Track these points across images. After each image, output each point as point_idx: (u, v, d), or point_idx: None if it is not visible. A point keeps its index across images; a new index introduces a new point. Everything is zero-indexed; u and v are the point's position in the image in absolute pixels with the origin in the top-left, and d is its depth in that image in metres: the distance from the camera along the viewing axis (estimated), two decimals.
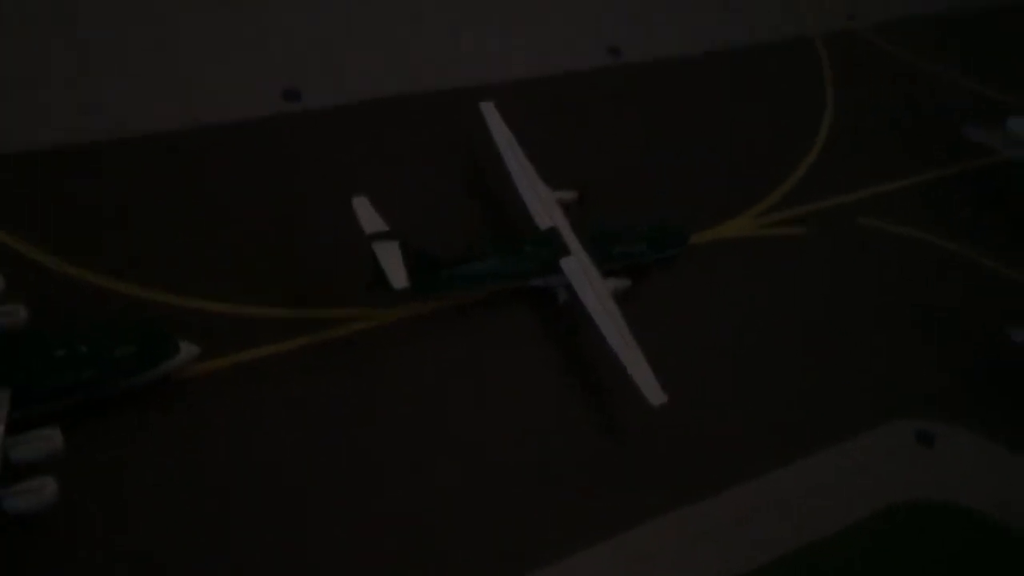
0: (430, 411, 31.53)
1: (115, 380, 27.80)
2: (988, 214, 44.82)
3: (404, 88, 41.64)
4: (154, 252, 32.96)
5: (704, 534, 30.74)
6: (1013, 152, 45.25)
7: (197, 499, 27.49)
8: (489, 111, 38.16)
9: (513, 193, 36.42)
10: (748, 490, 32.16)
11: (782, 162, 44.57)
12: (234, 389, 30.17)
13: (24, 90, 36.16)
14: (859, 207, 43.49)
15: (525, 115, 40.74)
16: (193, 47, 40.42)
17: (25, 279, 29.80)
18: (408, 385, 32.01)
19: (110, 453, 27.57)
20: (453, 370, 32.87)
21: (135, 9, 41.05)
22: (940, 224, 43.46)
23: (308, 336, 32.05)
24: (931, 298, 40.16)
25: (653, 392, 31.02)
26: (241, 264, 33.35)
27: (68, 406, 27.31)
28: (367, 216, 30.85)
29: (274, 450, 29.16)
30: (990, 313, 39.23)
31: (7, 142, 34.18)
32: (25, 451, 25.09)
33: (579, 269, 33.96)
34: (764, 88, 48.72)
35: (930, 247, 42.50)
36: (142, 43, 39.84)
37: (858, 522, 32.22)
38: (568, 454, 31.62)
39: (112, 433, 27.99)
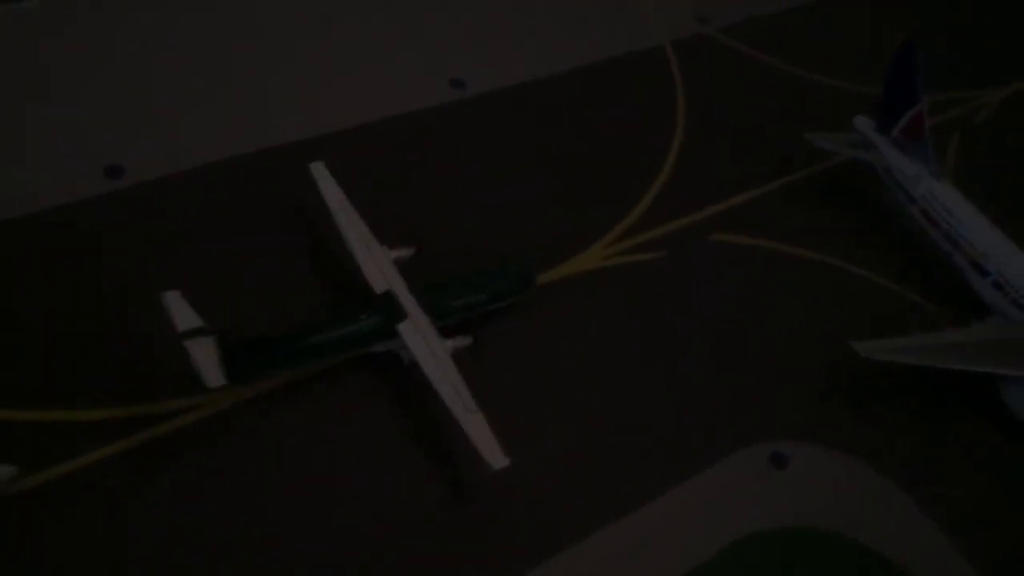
0: (283, 497, 30.79)
1: None
2: (835, 217, 45.20)
3: (236, 150, 40.39)
4: None
5: None
6: (859, 154, 45.67)
7: None
8: (319, 171, 37.18)
9: (349, 255, 35.66)
10: (607, 534, 31.98)
11: (633, 185, 44.32)
12: (62, 503, 29.07)
13: None
14: (714, 222, 43.53)
15: (364, 163, 40.27)
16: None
17: None
18: (256, 472, 31.15)
19: None
20: (299, 446, 32.13)
21: None
22: (791, 231, 43.65)
23: (138, 435, 31.00)
24: (783, 312, 40.32)
25: (494, 455, 30.66)
26: (52, 365, 32.09)
27: None
28: (179, 312, 29.82)
29: (114, 566, 28.23)
30: (840, 324, 39.48)
31: None
32: None
33: (415, 333, 33.39)
34: (614, 105, 48.43)
35: (782, 257, 42.70)
36: None
37: (716, 556, 32.26)
38: (419, 518, 31.22)
39: None
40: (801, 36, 55.79)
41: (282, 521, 30.24)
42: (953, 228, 41.23)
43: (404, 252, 35.88)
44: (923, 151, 42.84)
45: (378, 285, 34.73)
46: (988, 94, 54.66)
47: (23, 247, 35.38)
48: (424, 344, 33.23)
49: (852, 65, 53.23)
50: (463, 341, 33.98)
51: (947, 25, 58.80)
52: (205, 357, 29.24)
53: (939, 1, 60.86)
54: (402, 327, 33.59)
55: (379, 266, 35.13)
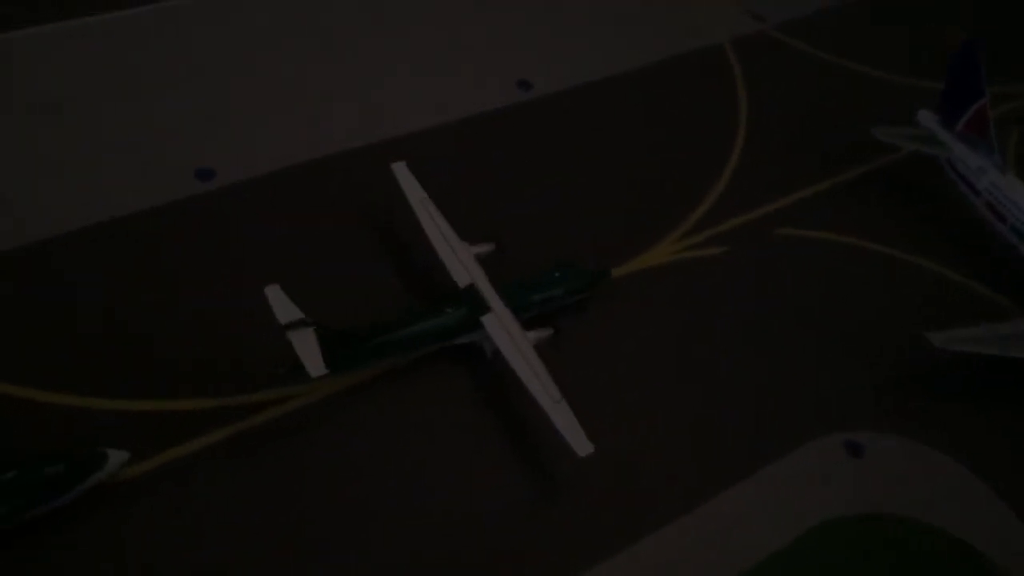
0: (372, 484, 32.00)
1: (47, 501, 28.20)
2: (901, 211, 45.70)
3: (318, 152, 42.01)
4: (63, 354, 33.31)
5: (642, 571, 31.60)
6: (922, 147, 46.10)
7: None
8: (401, 171, 38.50)
9: (431, 252, 36.88)
10: (684, 524, 32.83)
11: (700, 180, 45.27)
12: (167, 489, 30.57)
13: None
14: (777, 218, 44.23)
15: (439, 165, 41.40)
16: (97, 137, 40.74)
17: None
18: (346, 461, 32.42)
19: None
20: (388, 438, 33.34)
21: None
22: (857, 225, 44.28)
23: (234, 425, 32.46)
24: (853, 304, 40.97)
25: (580, 443, 31.69)
26: (154, 358, 33.65)
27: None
28: (280, 305, 31.21)
29: (219, 546, 29.58)
30: (909, 314, 40.11)
31: None
32: None
33: (499, 326, 34.53)
34: (678, 103, 49.37)
35: (850, 250, 43.34)
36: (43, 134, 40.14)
37: (792, 543, 32.94)
38: (504, 505, 32.28)
39: (48, 552, 28.40)
40: (858, 31, 56.48)
41: (372, 507, 31.49)
42: (1019, 220, 41.61)
43: (484, 248, 37.05)
44: (987, 145, 43.30)
45: (461, 279, 35.96)
46: None
47: (121, 248, 37.09)
48: (508, 336, 34.34)
49: (910, 59, 53.84)
50: (544, 333, 35.00)
51: (1003, 18, 58.99)
52: (307, 347, 30.54)
53: None
54: (486, 319, 34.76)
55: (462, 261, 36.33)
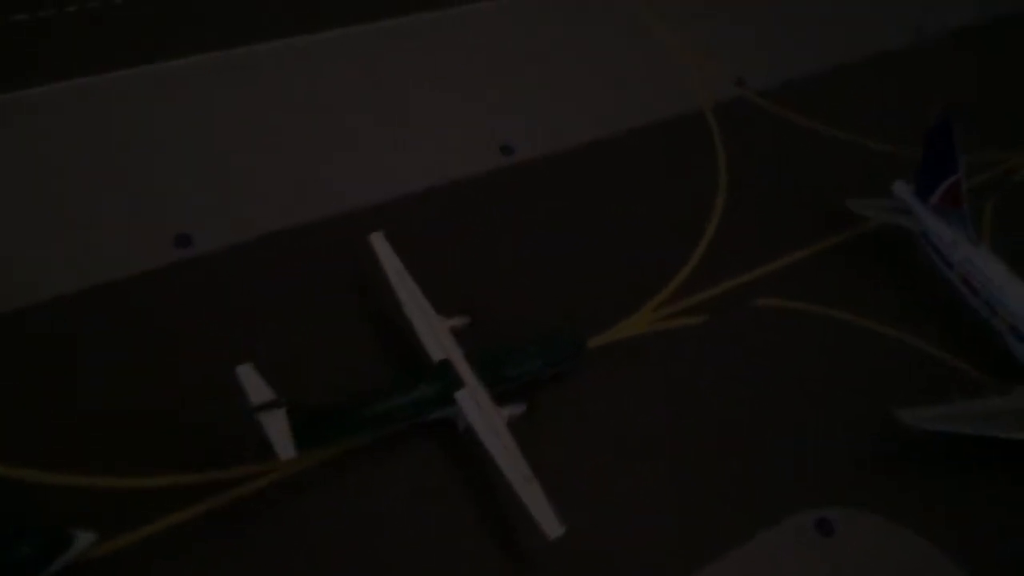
0: (344, 563, 31.94)
1: None
2: (879, 281, 46.13)
3: (298, 219, 42.20)
4: (31, 428, 33.11)
5: None
6: (897, 219, 46.68)
7: None
8: (378, 242, 38.79)
9: (407, 325, 37.07)
10: None
11: (678, 247, 45.59)
12: (136, 570, 30.46)
13: None
14: (758, 286, 44.57)
15: (418, 231, 41.70)
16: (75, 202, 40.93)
17: None
18: (320, 538, 32.33)
19: None
20: (361, 513, 33.29)
21: None
22: (836, 296, 44.59)
23: (208, 500, 32.37)
24: (831, 376, 41.27)
25: (550, 524, 31.70)
26: (121, 433, 33.51)
27: None
28: (252, 385, 31.26)
29: None
30: (887, 389, 40.33)
31: None
32: None
33: (472, 402, 34.64)
34: (658, 169, 49.85)
35: (828, 321, 43.65)
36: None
37: None
38: None
39: None
40: (837, 97, 57.14)
41: None
42: (991, 294, 42.05)
43: (459, 321, 37.26)
44: (961, 218, 43.78)
45: (435, 354, 36.11)
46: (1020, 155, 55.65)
47: (94, 317, 36.98)
48: (480, 412, 34.47)
49: (889, 126, 54.50)
50: (518, 409, 35.15)
51: (980, 86, 60.00)
52: (277, 430, 30.58)
53: (971, 63, 62.09)
54: (459, 395, 34.87)
55: (436, 335, 36.53)
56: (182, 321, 37.42)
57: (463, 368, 35.50)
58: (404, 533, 33.21)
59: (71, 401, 34.29)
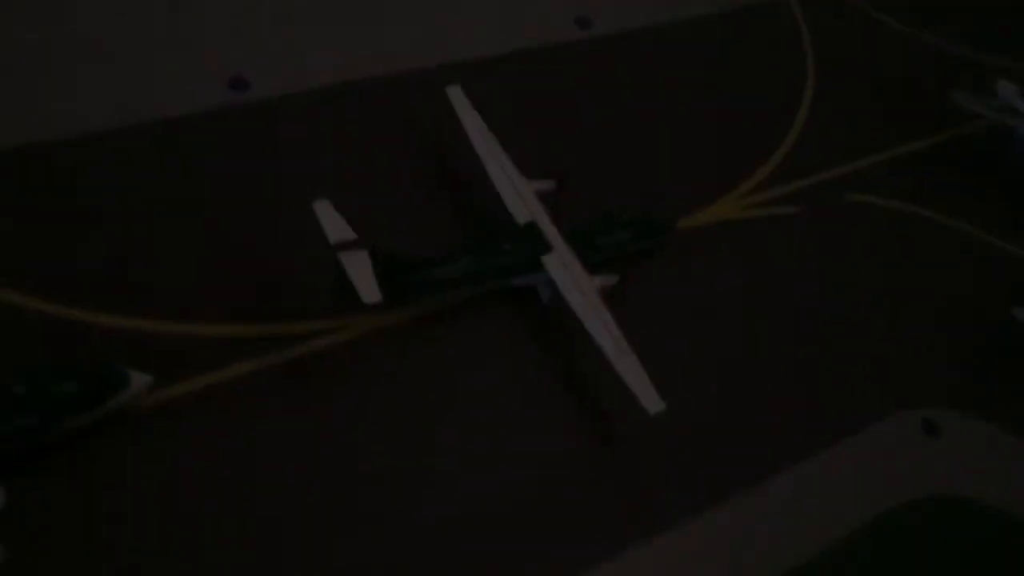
0: (411, 433, 28.86)
1: (59, 422, 24.82)
2: (979, 183, 42.94)
3: (364, 72, 38.36)
4: (84, 268, 29.73)
5: (709, 546, 28.70)
6: (1000, 118, 43.37)
7: (165, 539, 24.90)
8: (456, 96, 35.20)
9: (485, 185, 33.63)
10: (751, 497, 30.11)
11: (765, 137, 42.25)
12: (192, 419, 27.29)
13: None
14: (848, 182, 41.37)
15: (491, 96, 37.94)
16: (129, 39, 36.92)
17: None
18: (384, 405, 29.29)
19: (63, 500, 24.77)
20: (433, 385, 30.19)
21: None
22: (932, 196, 41.52)
23: (268, 356, 29.17)
24: (929, 277, 38.37)
25: (650, 400, 28.78)
26: (184, 278, 30.31)
27: (9, 454, 24.45)
28: (331, 222, 27.89)
29: (241, 482, 26.47)
30: (992, 291, 37.60)
31: None
32: None
33: (563, 266, 31.44)
34: (742, 57, 46.28)
35: (924, 222, 40.63)
36: (71, 39, 36.23)
37: (868, 521, 30.43)
38: (564, 468, 29.26)
39: (65, 478, 25.17)
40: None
41: (418, 453, 28.48)
42: None
43: (545, 184, 33.91)
44: None
45: (520, 215, 32.81)
46: None
47: (144, 156, 33.45)
48: (571, 277, 31.29)
49: (990, 35, 50.72)
50: (610, 279, 31.96)
51: None
52: (360, 271, 27.27)
53: None
54: (547, 259, 31.67)
55: (522, 196, 33.19)
56: (242, 167, 33.89)
57: (551, 231, 32.24)
58: (483, 402, 30.19)
59: (127, 241, 30.98)
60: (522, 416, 30.25)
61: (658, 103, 42.05)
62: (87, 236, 30.55)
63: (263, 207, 32.67)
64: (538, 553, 27.14)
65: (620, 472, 29.73)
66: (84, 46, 36.06)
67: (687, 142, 40.71)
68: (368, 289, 27.16)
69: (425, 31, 41.49)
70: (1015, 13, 51.00)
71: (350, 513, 26.68)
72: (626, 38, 44.67)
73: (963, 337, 36.18)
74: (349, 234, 27.71)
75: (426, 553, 26.35)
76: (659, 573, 27.67)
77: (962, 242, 40.13)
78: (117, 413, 25.88)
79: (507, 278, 32.25)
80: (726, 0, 48.78)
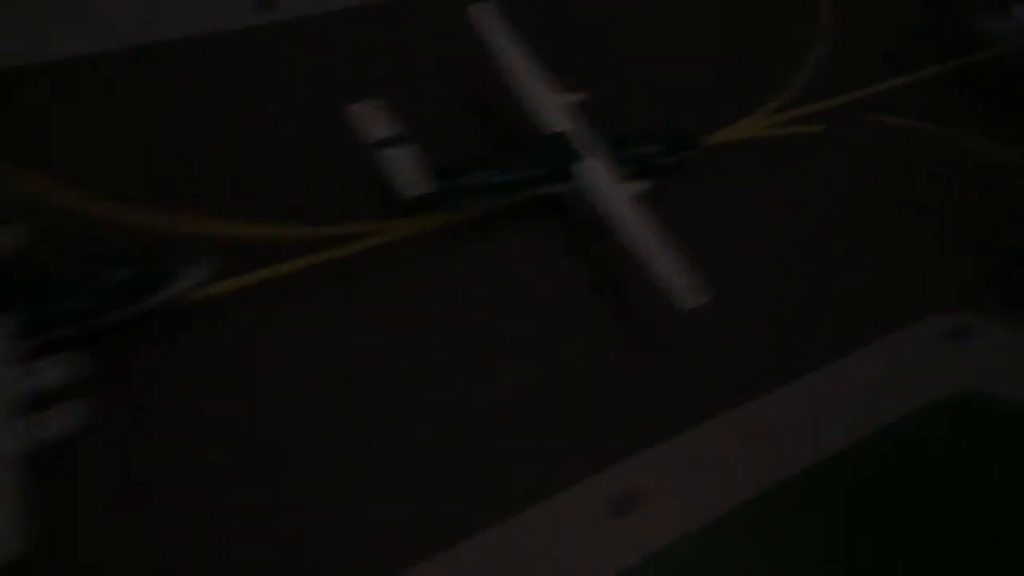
0: (447, 335, 29.44)
1: (117, 307, 25.42)
2: (1002, 106, 43.20)
3: None
4: (142, 170, 30.34)
5: (735, 443, 29.39)
6: (1018, 42, 43.62)
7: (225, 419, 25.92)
8: (483, 11, 35.33)
9: (515, 97, 33.84)
10: (779, 398, 30.73)
11: (787, 57, 42.36)
12: (240, 313, 28.00)
13: None
14: (871, 103, 41.55)
15: (517, 13, 38.07)
16: None
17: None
18: (420, 306, 29.84)
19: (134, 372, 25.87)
20: (468, 288, 30.66)
21: None
22: (956, 118, 41.69)
23: (313, 255, 29.73)
24: (953, 192, 38.67)
25: (690, 292, 29.13)
26: (226, 182, 30.82)
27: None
28: (371, 121, 28.12)
29: (291, 378, 27.29)
30: (1015, 206, 37.93)
31: None
32: (48, 377, 23.42)
33: (597, 173, 31.78)
34: None
35: (947, 145, 40.79)
36: None
37: (897, 420, 30.96)
38: (592, 370, 29.90)
39: (113, 362, 25.77)
40: None
41: (448, 357, 29.01)
42: None
43: (575, 96, 34.11)
44: None
45: (551, 126, 33.04)
46: None
47: (187, 70, 33.79)
48: (604, 185, 31.63)
49: None
50: (643, 185, 32.27)
51: None
52: (405, 165, 27.49)
53: None
54: (578, 167, 31.99)
55: (552, 106, 33.42)
56: (275, 84, 34.15)
57: (582, 142, 32.53)
58: (513, 308, 30.67)
59: (178, 147, 31.51)
60: (565, 315, 30.86)
61: (681, 18, 42.31)
62: (145, 139, 31.14)
63: (300, 117, 33.02)
64: (593, 438, 28.09)
65: (650, 371, 30.23)
66: None
67: (711, 60, 40.90)
68: (416, 182, 27.33)
69: None
70: None
71: (418, 397, 27.72)
72: None
73: (991, 245, 36.66)
74: (393, 130, 27.88)
75: (464, 437, 27.31)
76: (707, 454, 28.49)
77: (986, 161, 40.36)
78: (172, 302, 26.46)
79: (538, 187, 32.50)
80: None
